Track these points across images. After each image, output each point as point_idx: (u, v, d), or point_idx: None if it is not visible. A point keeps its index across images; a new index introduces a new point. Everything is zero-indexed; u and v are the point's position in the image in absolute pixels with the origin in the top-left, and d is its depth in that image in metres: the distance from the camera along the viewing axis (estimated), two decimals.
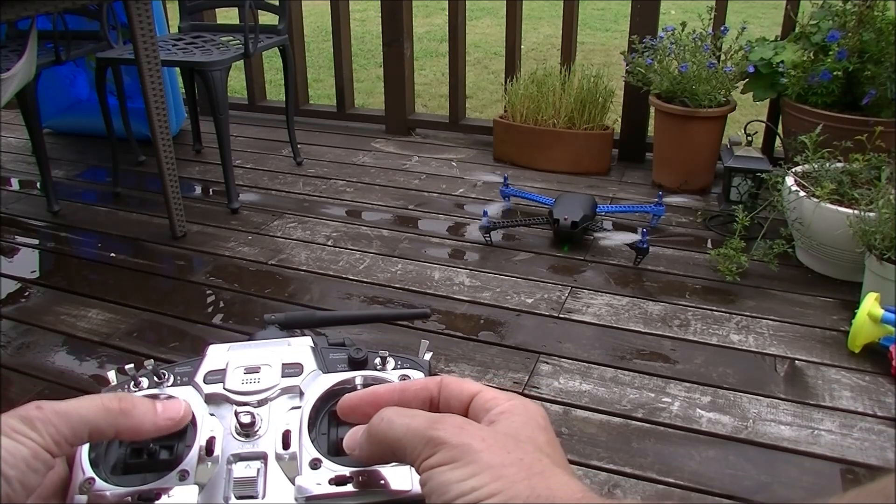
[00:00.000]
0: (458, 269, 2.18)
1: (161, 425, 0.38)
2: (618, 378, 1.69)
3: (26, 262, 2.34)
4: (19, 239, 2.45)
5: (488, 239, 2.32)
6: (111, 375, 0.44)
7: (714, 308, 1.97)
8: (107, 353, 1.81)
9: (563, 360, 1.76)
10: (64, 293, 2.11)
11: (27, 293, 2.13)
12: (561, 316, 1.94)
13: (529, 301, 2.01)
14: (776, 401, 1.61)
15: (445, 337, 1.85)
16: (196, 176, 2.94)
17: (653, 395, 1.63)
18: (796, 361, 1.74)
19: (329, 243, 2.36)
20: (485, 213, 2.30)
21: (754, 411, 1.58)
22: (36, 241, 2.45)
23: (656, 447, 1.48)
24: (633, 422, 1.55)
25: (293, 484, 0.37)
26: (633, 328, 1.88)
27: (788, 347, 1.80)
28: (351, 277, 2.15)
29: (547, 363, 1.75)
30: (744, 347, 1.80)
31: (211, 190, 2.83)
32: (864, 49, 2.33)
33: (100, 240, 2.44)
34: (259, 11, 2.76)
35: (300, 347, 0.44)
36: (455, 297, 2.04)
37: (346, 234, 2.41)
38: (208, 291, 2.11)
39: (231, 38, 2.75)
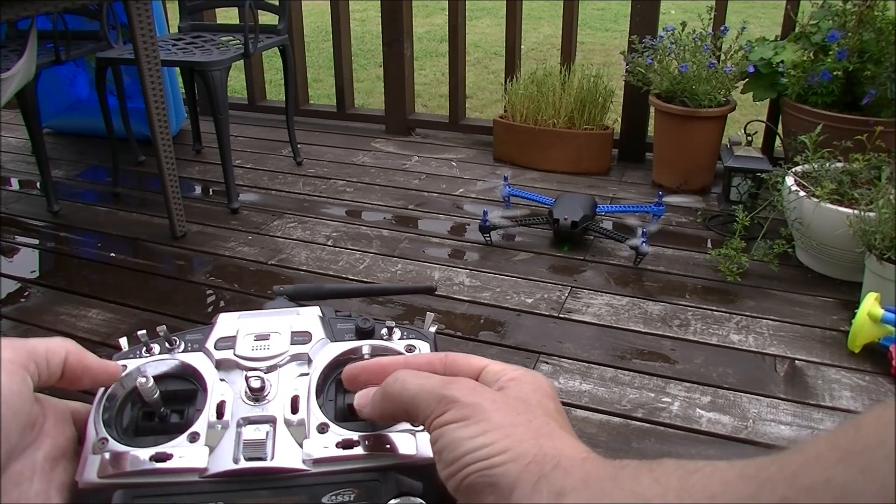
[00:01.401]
0: (458, 269, 2.18)
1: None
2: (618, 378, 1.69)
3: (26, 262, 2.34)
4: (19, 239, 2.45)
5: (488, 239, 2.32)
6: (123, 342, 0.45)
7: (714, 308, 1.97)
8: (107, 353, 1.79)
9: (563, 359, 1.76)
10: (64, 293, 2.11)
11: (27, 293, 2.13)
12: (561, 316, 1.94)
13: (529, 301, 2.01)
14: (776, 401, 1.61)
15: (445, 337, 1.85)
16: (196, 176, 2.94)
17: (653, 394, 1.63)
18: (796, 361, 1.75)
19: (329, 243, 2.36)
20: (485, 213, 2.30)
21: (754, 411, 1.58)
22: (36, 241, 2.45)
23: (656, 447, 1.48)
24: (633, 422, 1.55)
25: (301, 447, 0.37)
26: (633, 328, 1.88)
27: (788, 347, 1.80)
28: (351, 277, 2.15)
29: (547, 363, 1.75)
30: (744, 347, 1.80)
31: (211, 190, 2.83)
32: (864, 49, 2.33)
33: (100, 240, 2.44)
34: (259, 11, 2.76)
35: (309, 317, 0.45)
36: (455, 296, 2.04)
37: (346, 234, 2.41)
38: (208, 291, 2.11)
39: (231, 38, 2.75)
